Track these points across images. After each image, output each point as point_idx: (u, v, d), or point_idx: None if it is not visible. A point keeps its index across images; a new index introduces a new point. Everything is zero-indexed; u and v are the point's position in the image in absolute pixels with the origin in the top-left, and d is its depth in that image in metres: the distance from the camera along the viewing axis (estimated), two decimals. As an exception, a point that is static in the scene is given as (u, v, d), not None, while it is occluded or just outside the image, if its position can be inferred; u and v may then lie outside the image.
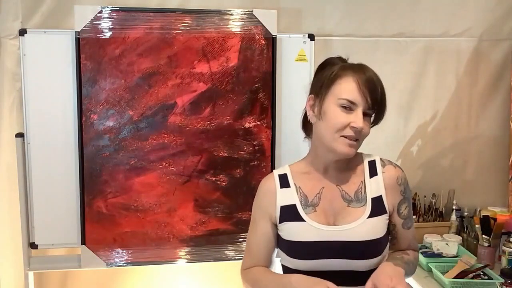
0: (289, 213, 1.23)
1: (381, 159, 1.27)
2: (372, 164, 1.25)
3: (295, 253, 1.21)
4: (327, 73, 1.22)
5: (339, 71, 1.20)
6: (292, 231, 1.22)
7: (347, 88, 1.17)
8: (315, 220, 1.20)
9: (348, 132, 1.16)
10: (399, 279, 1.08)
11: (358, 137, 1.17)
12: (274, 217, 1.26)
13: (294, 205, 1.23)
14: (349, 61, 1.31)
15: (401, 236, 1.26)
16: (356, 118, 1.15)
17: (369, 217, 1.18)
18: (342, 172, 1.25)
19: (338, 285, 1.10)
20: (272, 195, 1.27)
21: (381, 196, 1.21)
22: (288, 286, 1.15)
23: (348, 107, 1.16)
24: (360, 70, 1.19)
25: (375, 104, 1.17)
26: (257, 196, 1.32)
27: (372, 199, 1.21)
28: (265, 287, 1.24)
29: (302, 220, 1.21)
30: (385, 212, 1.21)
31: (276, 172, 1.31)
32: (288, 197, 1.25)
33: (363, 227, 1.17)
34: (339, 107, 1.17)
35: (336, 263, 1.17)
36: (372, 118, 1.22)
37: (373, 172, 1.24)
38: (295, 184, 1.26)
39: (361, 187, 1.23)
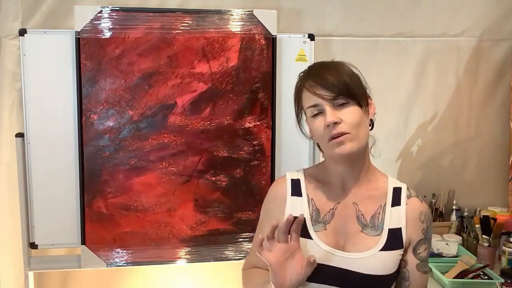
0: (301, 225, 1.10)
1: (408, 188, 1.15)
2: (396, 192, 1.13)
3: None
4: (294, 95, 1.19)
5: (297, 86, 1.18)
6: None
7: (305, 96, 1.14)
8: (323, 240, 1.08)
9: (330, 132, 1.07)
10: None
11: (344, 130, 1.06)
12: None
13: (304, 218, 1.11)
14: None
15: (413, 278, 1.11)
16: (326, 116, 1.07)
17: (382, 249, 1.06)
18: (362, 189, 1.13)
19: None
20: (281, 202, 1.17)
21: (400, 228, 1.09)
22: None
23: (317, 112, 1.10)
24: (307, 71, 1.16)
25: (337, 91, 1.07)
26: (266, 198, 1.22)
27: (390, 230, 1.08)
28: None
29: (309, 237, 1.09)
30: (401, 247, 1.09)
31: (289, 176, 1.20)
32: (298, 207, 1.14)
33: (374, 259, 1.06)
34: (312, 117, 1.12)
35: None
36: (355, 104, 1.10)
37: (396, 201, 1.11)
38: (307, 195, 1.15)
39: (379, 213, 1.10)
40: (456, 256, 1.99)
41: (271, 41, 1.91)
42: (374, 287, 1.06)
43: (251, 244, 1.95)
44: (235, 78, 1.90)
